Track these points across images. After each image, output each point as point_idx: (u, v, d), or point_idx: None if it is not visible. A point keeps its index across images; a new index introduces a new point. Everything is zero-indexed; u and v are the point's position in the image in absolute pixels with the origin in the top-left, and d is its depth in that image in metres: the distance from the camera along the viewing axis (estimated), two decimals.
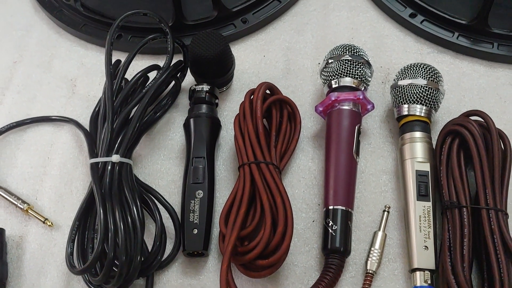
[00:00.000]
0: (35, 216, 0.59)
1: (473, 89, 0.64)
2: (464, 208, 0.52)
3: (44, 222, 0.58)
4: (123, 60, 0.62)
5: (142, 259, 0.52)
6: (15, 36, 0.75)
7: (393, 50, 0.68)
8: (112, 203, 0.53)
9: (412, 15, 0.69)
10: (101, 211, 0.52)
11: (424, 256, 0.52)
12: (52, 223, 0.58)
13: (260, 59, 0.69)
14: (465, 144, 0.55)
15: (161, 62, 0.64)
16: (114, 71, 0.61)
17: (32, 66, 0.72)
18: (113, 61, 0.61)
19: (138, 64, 0.66)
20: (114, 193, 0.54)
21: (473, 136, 0.54)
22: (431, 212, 0.53)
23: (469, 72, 0.66)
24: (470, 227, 0.51)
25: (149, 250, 0.54)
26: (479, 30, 0.66)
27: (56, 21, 0.75)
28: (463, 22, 0.66)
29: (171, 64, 0.63)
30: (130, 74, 0.62)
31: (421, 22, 0.68)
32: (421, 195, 0.54)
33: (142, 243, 0.53)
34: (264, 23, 0.72)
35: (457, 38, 0.67)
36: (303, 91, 0.66)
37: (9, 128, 0.65)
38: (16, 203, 0.60)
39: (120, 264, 0.50)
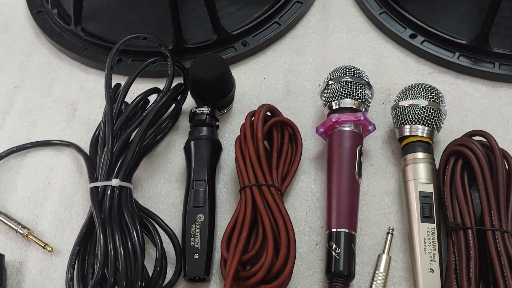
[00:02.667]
0: (35, 241, 0.58)
1: (475, 109, 0.64)
2: (469, 230, 0.51)
3: (44, 248, 0.58)
4: (123, 83, 0.63)
5: (143, 284, 0.52)
6: (16, 61, 0.76)
7: (394, 71, 0.68)
8: (112, 227, 0.52)
9: (412, 36, 0.69)
10: (101, 236, 0.51)
11: (429, 279, 0.51)
12: (52, 248, 0.58)
13: (261, 81, 0.69)
14: (468, 164, 0.54)
15: (161, 85, 0.64)
16: (114, 94, 0.61)
17: (32, 91, 0.72)
18: (113, 84, 0.61)
19: (139, 87, 0.66)
20: (113, 218, 0.53)
21: (477, 157, 0.53)
22: (435, 234, 0.52)
23: (470, 92, 0.66)
24: (476, 249, 0.50)
25: (150, 276, 0.53)
26: (480, 50, 0.66)
27: (57, 46, 0.76)
28: (464, 42, 0.66)
29: (171, 87, 0.63)
30: (130, 98, 0.62)
31: (422, 42, 0.69)
32: (425, 217, 0.53)
33: (143, 268, 0.52)
34: (264, 46, 0.72)
35: (458, 58, 0.67)
36: (304, 113, 0.66)
37: (9, 152, 0.65)
38: (16, 228, 0.59)
39: None
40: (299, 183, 0.60)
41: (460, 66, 0.66)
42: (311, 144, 0.63)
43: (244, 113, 0.66)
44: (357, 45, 0.71)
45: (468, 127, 0.62)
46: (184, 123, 0.66)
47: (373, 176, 0.60)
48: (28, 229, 0.59)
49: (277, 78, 0.69)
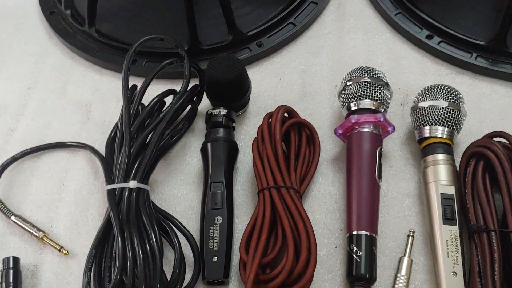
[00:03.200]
0: (50, 244, 0.58)
1: (494, 110, 0.63)
2: (493, 232, 0.50)
3: (59, 250, 0.57)
4: (138, 84, 0.62)
5: None
6: (29, 63, 0.75)
7: (411, 71, 0.68)
8: (130, 230, 0.52)
9: (429, 37, 0.69)
10: (119, 238, 0.51)
11: (453, 282, 0.50)
12: (67, 251, 0.57)
13: (276, 82, 0.69)
14: (490, 165, 0.53)
15: (175, 86, 0.63)
16: (130, 96, 0.61)
17: (46, 92, 0.72)
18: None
19: (153, 89, 0.66)
20: (131, 220, 0.53)
21: (499, 158, 0.52)
22: (458, 237, 0.52)
23: (489, 93, 0.65)
24: (500, 251, 0.49)
25: (168, 279, 0.52)
26: (498, 51, 0.65)
27: (70, 47, 0.75)
28: (481, 43, 0.66)
29: (188, 89, 0.62)
30: (145, 99, 0.61)
31: (438, 43, 0.68)
32: (447, 219, 0.53)
33: (162, 272, 0.51)
34: (279, 47, 0.71)
35: (476, 59, 0.66)
36: (321, 114, 0.65)
37: (24, 154, 0.64)
38: (31, 231, 0.58)
39: None
40: (317, 185, 0.60)
41: (477, 67, 0.66)
42: (328, 146, 0.62)
43: (260, 115, 0.66)
44: (373, 45, 0.71)
45: (487, 128, 0.62)
46: (199, 125, 0.66)
47: (393, 178, 0.59)
48: (43, 232, 0.58)
49: (292, 79, 0.69)
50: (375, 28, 0.72)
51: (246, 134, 0.65)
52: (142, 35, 0.62)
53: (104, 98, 0.70)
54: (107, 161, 0.60)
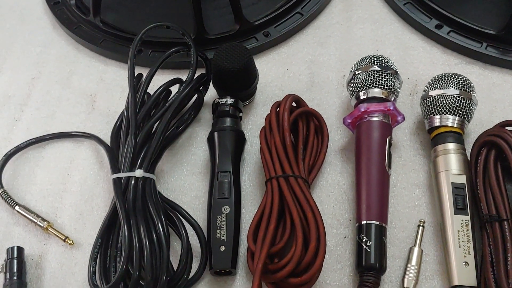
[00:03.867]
0: (55, 234, 0.57)
1: (505, 100, 0.63)
2: (505, 222, 0.49)
3: (64, 241, 0.56)
4: (145, 74, 0.61)
5: (168, 278, 0.50)
6: (33, 53, 0.75)
7: (420, 61, 0.67)
8: (137, 219, 0.51)
9: (438, 26, 0.68)
10: (126, 227, 0.50)
11: (464, 272, 0.49)
12: (72, 242, 0.56)
13: (283, 72, 0.68)
14: (501, 155, 0.53)
15: (181, 76, 0.63)
16: (136, 84, 0.60)
17: (51, 82, 0.71)
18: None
19: (158, 79, 0.65)
20: (138, 209, 0.52)
21: (511, 147, 0.52)
22: (469, 226, 0.51)
23: (499, 83, 0.64)
24: None
25: (175, 269, 0.52)
26: (508, 40, 0.64)
27: (74, 37, 0.74)
28: (492, 32, 0.65)
29: (194, 77, 0.61)
30: (150, 89, 0.60)
31: (448, 33, 0.67)
32: (459, 209, 0.52)
33: (168, 262, 0.50)
34: (286, 36, 0.71)
35: (486, 48, 0.65)
36: (329, 104, 0.64)
37: (28, 144, 0.63)
38: (35, 221, 0.58)
39: (146, 284, 0.48)
40: (325, 175, 0.59)
41: (488, 56, 0.65)
42: (336, 136, 0.62)
43: (267, 105, 0.65)
44: (382, 35, 0.70)
45: (498, 118, 0.61)
46: (205, 115, 0.65)
47: (402, 168, 0.58)
48: (48, 222, 0.58)
49: (300, 69, 0.68)
50: (383, 18, 0.72)
51: (253, 124, 0.64)
52: (147, 25, 0.61)
53: (109, 88, 0.69)
54: (113, 150, 0.59)
